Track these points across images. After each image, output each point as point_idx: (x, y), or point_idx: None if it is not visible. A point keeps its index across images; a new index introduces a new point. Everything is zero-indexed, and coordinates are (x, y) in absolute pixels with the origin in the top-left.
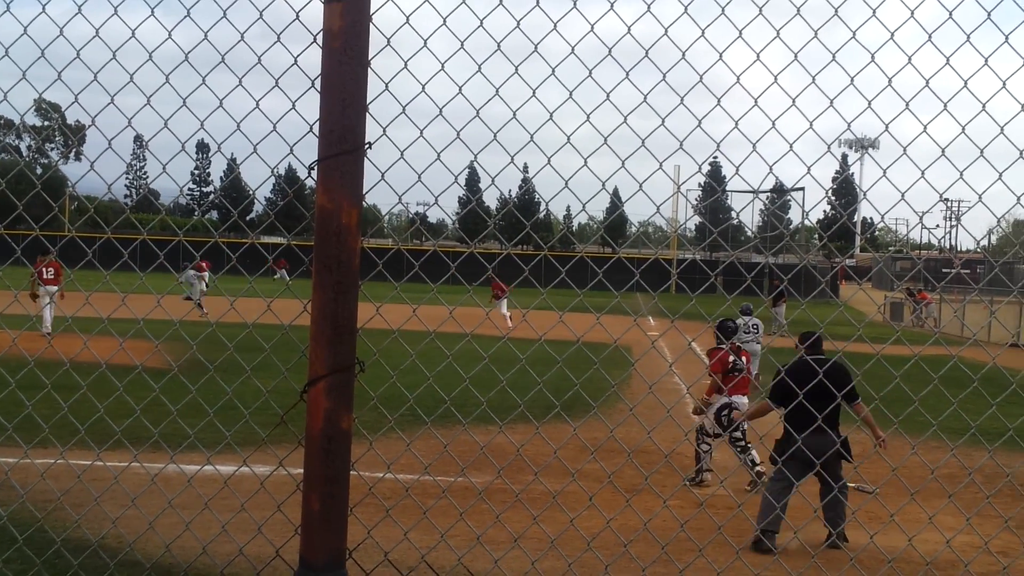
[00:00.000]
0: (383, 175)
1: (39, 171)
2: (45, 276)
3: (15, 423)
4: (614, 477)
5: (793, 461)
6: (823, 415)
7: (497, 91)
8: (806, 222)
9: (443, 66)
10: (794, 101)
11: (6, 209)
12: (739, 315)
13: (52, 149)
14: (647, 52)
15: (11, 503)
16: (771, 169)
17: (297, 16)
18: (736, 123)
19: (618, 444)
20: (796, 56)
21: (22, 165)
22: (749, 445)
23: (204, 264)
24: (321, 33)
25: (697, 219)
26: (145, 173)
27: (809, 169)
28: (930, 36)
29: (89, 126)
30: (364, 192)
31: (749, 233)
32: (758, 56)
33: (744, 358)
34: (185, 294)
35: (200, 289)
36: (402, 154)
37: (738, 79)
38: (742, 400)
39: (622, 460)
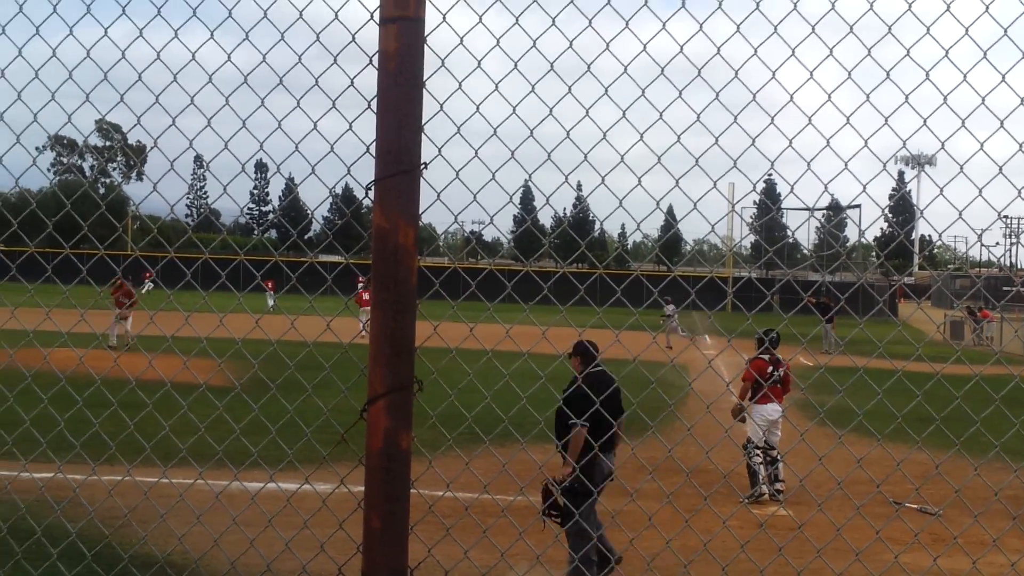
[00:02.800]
0: (439, 195)
1: (102, 191)
2: (120, 299)
3: (82, 441)
4: (673, 497)
5: (595, 486)
6: (612, 430)
7: (551, 111)
8: (863, 240)
9: (497, 86)
10: (848, 119)
11: (70, 229)
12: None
13: (114, 169)
14: (700, 71)
15: (80, 520)
16: (826, 187)
17: (353, 38)
18: (790, 141)
19: (676, 464)
20: (850, 74)
21: (86, 186)
22: (779, 458)
23: (270, 283)
24: (376, 55)
25: (752, 237)
26: (205, 193)
27: (865, 187)
28: (985, 54)
29: (151, 148)
30: (420, 212)
31: (805, 251)
32: (811, 74)
33: (781, 369)
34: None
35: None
36: (457, 174)
37: (791, 97)
38: (776, 408)
39: (680, 480)
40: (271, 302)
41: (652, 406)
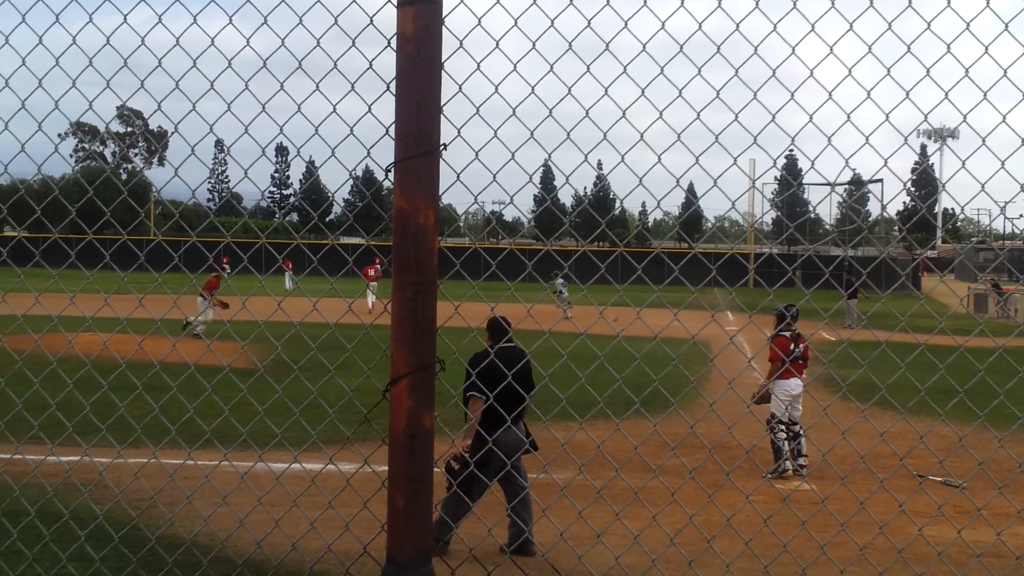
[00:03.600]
0: (459, 176)
1: (124, 177)
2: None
3: (108, 424)
4: (696, 473)
5: (488, 464)
6: (522, 406)
7: (569, 90)
8: (885, 214)
9: (515, 66)
10: (869, 93)
11: (93, 215)
12: (557, 278)
13: (136, 155)
14: (719, 48)
15: (107, 502)
16: (847, 162)
17: (371, 21)
18: (811, 116)
19: (699, 440)
20: (870, 48)
21: (108, 172)
22: (802, 433)
23: (288, 264)
24: (395, 37)
25: (773, 213)
26: (227, 177)
27: (886, 161)
28: (1007, 25)
29: (172, 133)
30: (440, 193)
31: (827, 226)
32: (831, 49)
33: (801, 345)
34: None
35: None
36: (476, 155)
37: (811, 72)
38: (797, 382)
39: (703, 456)
40: (289, 284)
41: (674, 383)
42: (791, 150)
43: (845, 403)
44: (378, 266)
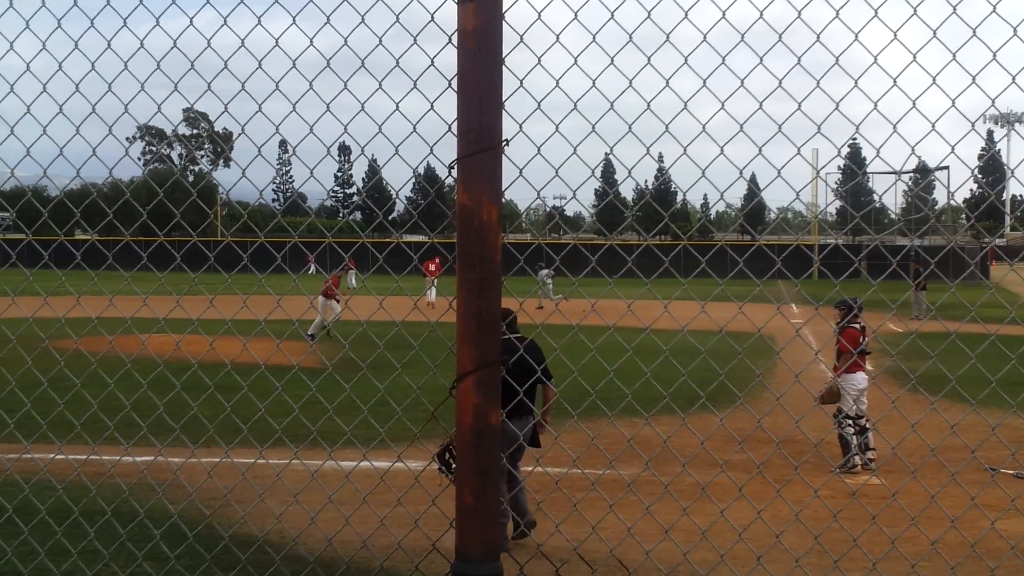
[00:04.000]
0: (521, 171)
1: (190, 179)
2: (331, 288)
3: (181, 424)
4: (763, 468)
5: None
6: (522, 396)
7: (631, 83)
8: (952, 202)
9: (576, 60)
10: (935, 79)
11: (161, 217)
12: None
13: (202, 157)
14: (780, 36)
15: (180, 501)
16: (913, 149)
17: (432, 18)
18: (875, 104)
19: (765, 434)
20: (935, 33)
21: (177, 174)
22: (868, 427)
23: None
24: (456, 33)
25: (838, 203)
26: (291, 177)
27: (953, 148)
28: None
29: (239, 135)
30: (503, 189)
31: (892, 215)
32: (895, 35)
33: (864, 337)
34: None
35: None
36: (539, 149)
37: (875, 59)
38: (864, 376)
39: (770, 450)
40: (353, 282)
41: (740, 377)
42: (855, 138)
43: (914, 395)
44: (438, 261)
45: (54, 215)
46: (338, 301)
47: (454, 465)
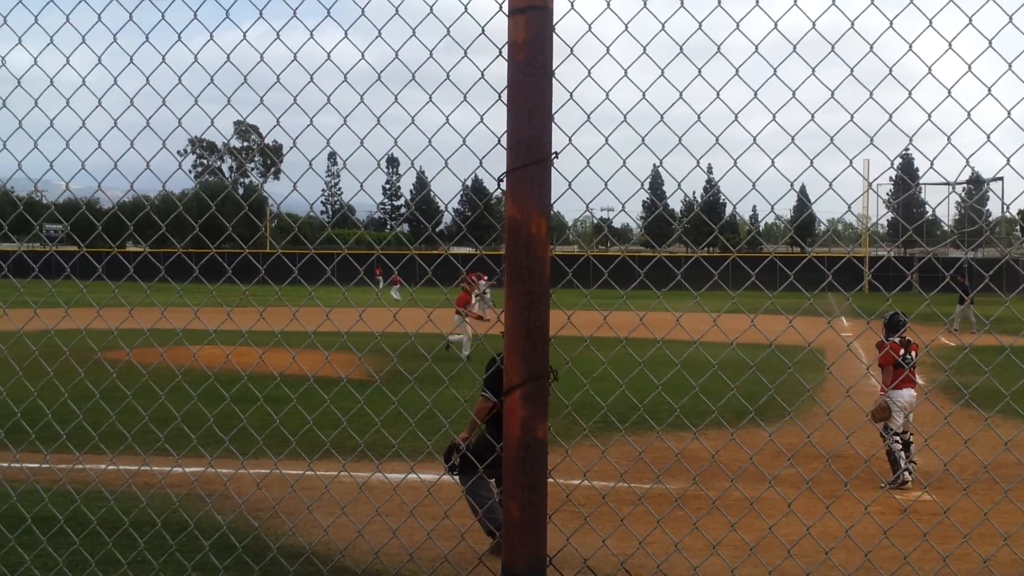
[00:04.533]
0: (570, 184)
1: (241, 192)
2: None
3: (231, 435)
4: (812, 483)
5: (495, 464)
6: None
7: (680, 94)
8: (1007, 214)
9: (626, 72)
10: (990, 90)
11: (212, 230)
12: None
13: (252, 169)
14: (833, 47)
15: (229, 512)
16: (967, 161)
17: (483, 31)
18: (929, 115)
19: (815, 449)
20: (990, 43)
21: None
22: (911, 442)
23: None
24: (506, 46)
25: (890, 215)
26: (340, 189)
27: (1009, 159)
28: None
29: (291, 148)
30: (552, 201)
31: (945, 227)
32: (950, 45)
33: (913, 352)
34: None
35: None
36: (588, 162)
37: (929, 69)
38: (912, 392)
39: (820, 465)
40: (397, 295)
41: (789, 391)
42: (907, 150)
43: (967, 411)
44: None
45: (107, 227)
46: (460, 315)
47: (456, 466)
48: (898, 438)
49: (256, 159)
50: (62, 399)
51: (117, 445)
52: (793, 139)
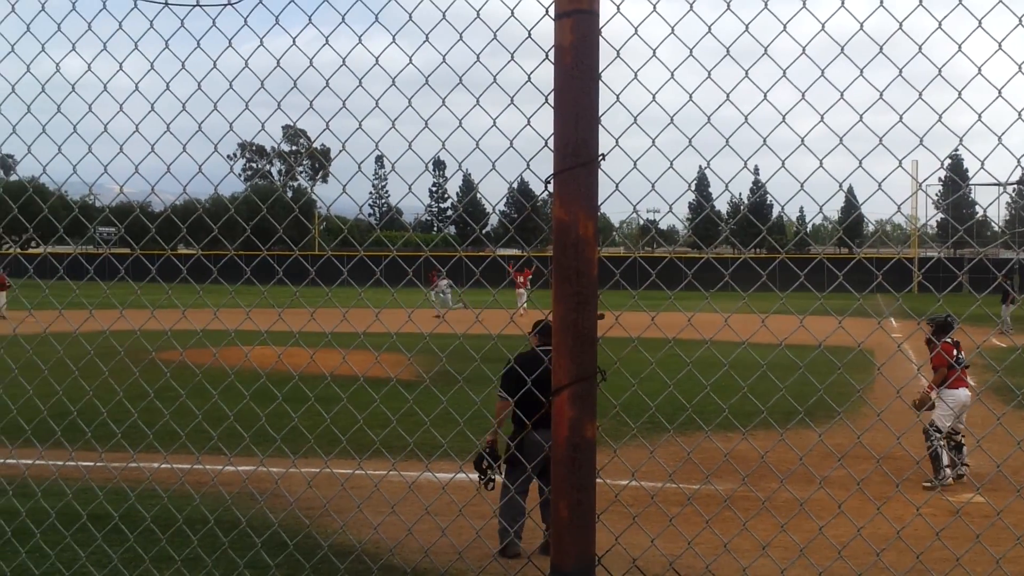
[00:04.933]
0: (617, 185)
1: (289, 195)
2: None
3: (283, 434)
4: (863, 484)
5: (516, 464)
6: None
7: (728, 96)
8: None
9: (672, 74)
10: None
11: (261, 232)
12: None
13: (300, 172)
14: (881, 48)
15: (281, 511)
16: (1019, 161)
17: (529, 34)
18: (979, 115)
19: (865, 450)
20: None
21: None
22: (963, 443)
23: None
24: (552, 49)
25: (939, 216)
26: (387, 192)
27: None
28: None
29: (340, 151)
30: (599, 203)
31: (996, 228)
32: (1000, 45)
33: (963, 353)
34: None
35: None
36: (635, 164)
37: (979, 70)
38: (967, 392)
39: (870, 467)
40: (434, 297)
41: (839, 392)
42: (957, 150)
43: (1020, 412)
44: (528, 272)
45: (159, 230)
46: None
47: (490, 474)
48: (940, 436)
49: (305, 162)
50: (117, 399)
51: (171, 444)
52: (841, 140)
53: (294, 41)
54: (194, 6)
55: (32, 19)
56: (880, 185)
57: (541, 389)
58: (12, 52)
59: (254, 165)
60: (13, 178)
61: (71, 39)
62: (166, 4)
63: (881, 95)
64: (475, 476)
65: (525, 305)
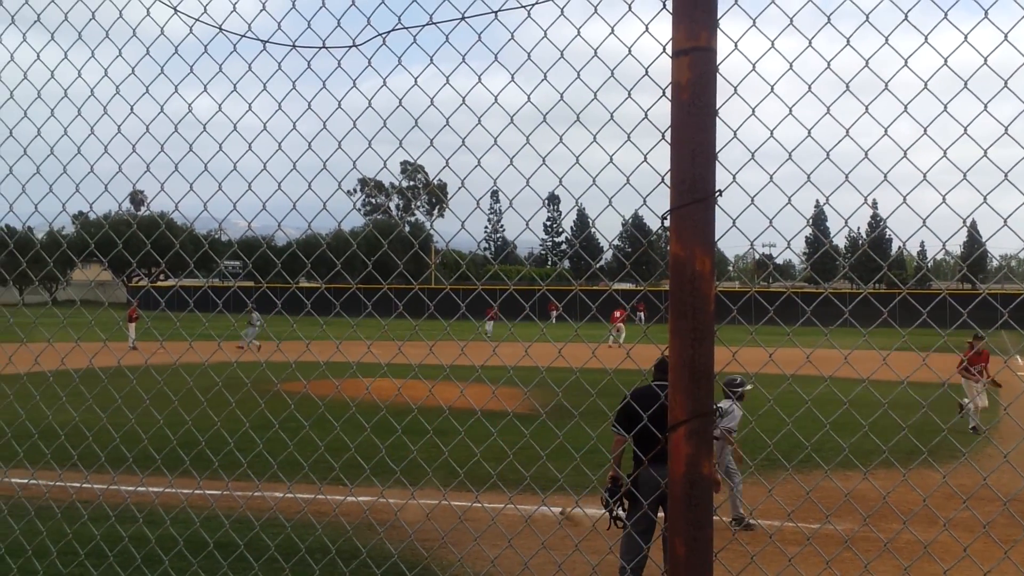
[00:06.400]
0: (734, 221)
1: (407, 229)
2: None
3: (402, 467)
4: (989, 527)
5: (635, 501)
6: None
7: (847, 132)
8: None
9: (791, 110)
10: None
11: (380, 266)
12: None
13: (417, 207)
14: (1006, 82)
15: (399, 542)
16: None
17: (646, 71)
18: None
19: (992, 492)
20: None
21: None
22: None
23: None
24: (670, 86)
25: None
26: (502, 227)
27: None
28: None
29: (459, 188)
30: (715, 239)
31: None
32: None
33: None
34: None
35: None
36: (752, 200)
37: None
38: None
39: (996, 509)
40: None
41: (962, 431)
42: None
43: None
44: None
45: (283, 264)
46: None
47: (616, 511)
48: None
49: (422, 197)
50: (243, 429)
51: (294, 474)
52: (965, 175)
53: (415, 81)
54: (320, 48)
55: (166, 61)
56: (1006, 221)
57: (656, 425)
58: (147, 93)
59: (372, 200)
60: (144, 212)
61: (203, 80)
62: (293, 46)
63: (1007, 129)
64: (591, 511)
65: (620, 339)
